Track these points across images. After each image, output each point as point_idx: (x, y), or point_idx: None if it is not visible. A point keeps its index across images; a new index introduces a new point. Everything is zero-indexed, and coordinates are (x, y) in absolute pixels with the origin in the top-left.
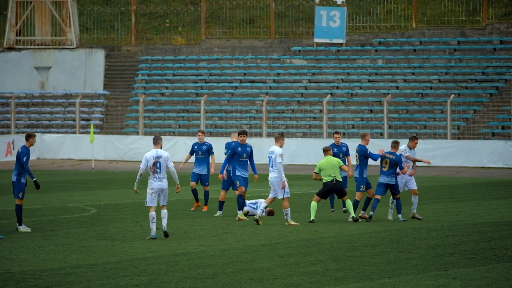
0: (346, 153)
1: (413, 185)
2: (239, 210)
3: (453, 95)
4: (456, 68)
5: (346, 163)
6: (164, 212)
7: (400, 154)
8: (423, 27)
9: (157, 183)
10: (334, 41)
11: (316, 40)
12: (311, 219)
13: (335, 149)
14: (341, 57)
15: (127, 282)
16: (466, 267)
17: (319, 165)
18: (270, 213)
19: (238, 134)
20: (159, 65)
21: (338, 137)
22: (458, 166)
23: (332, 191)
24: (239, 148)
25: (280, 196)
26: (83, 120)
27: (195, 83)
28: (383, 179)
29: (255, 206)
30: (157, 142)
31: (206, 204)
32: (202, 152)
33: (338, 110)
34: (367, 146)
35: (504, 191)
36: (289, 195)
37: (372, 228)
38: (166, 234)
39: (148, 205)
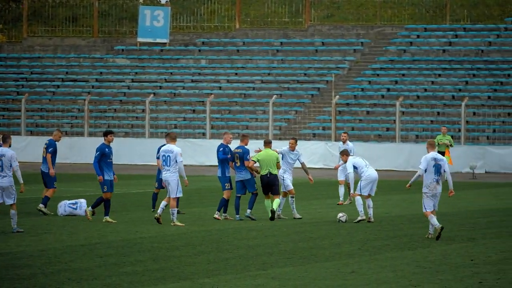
0: None
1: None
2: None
3: (275, 96)
4: (279, 69)
5: None
6: (12, 212)
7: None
8: (247, 27)
9: None
10: (158, 40)
11: (140, 39)
12: (270, 216)
13: None
14: (164, 56)
15: None
16: (285, 266)
17: (257, 156)
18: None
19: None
20: None
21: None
22: None
23: (268, 185)
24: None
25: (173, 195)
26: None
27: (16, 82)
28: (238, 176)
29: (74, 207)
30: (5, 140)
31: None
32: None
33: (161, 110)
34: (229, 145)
35: (324, 191)
36: (182, 195)
37: (193, 228)
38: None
39: None
